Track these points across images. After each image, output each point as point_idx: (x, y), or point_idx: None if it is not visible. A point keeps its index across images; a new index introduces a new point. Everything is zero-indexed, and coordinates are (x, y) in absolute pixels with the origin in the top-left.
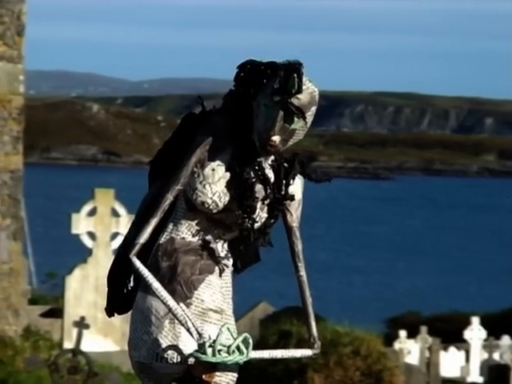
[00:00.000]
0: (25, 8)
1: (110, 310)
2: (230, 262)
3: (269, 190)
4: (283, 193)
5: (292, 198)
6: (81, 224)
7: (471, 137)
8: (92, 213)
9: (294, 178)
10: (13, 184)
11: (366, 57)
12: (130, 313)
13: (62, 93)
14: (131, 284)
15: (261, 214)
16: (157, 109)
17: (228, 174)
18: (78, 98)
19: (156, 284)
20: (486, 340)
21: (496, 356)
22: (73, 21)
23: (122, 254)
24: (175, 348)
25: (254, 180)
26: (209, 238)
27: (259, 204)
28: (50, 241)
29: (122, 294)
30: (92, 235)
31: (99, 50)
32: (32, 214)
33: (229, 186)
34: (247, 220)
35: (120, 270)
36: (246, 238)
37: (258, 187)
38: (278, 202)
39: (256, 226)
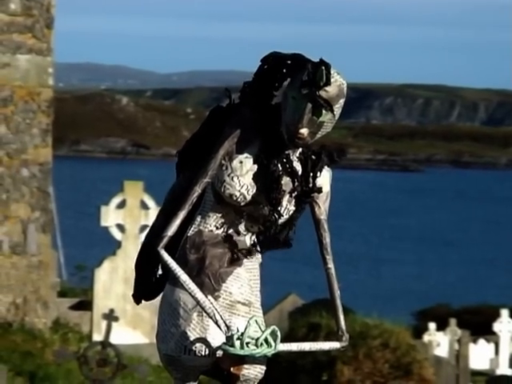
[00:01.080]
0: (54, 0)
1: (138, 298)
2: (259, 254)
3: (296, 183)
4: (311, 185)
5: (320, 190)
6: (110, 216)
7: (500, 129)
8: (121, 205)
9: (321, 171)
10: (42, 177)
11: (395, 49)
12: (158, 305)
13: (92, 85)
14: (159, 271)
15: (289, 207)
16: (186, 101)
17: (256, 167)
18: (108, 91)
19: (184, 277)
20: None
21: None
22: (102, 13)
23: (148, 243)
24: (203, 341)
25: (280, 172)
26: (237, 230)
27: (287, 197)
28: (79, 233)
29: (150, 281)
30: (121, 227)
31: (128, 42)
32: (61, 207)
33: (256, 178)
34: (272, 213)
35: (147, 259)
36: (267, 230)
37: (286, 180)
38: (306, 195)
39: (283, 218)
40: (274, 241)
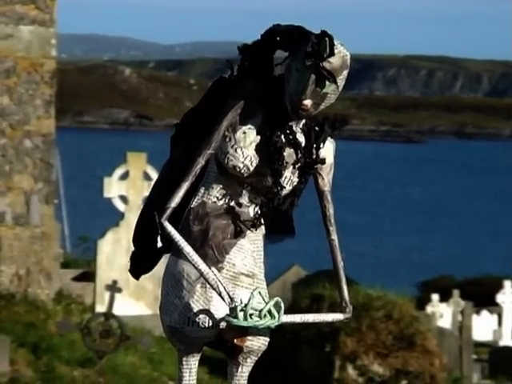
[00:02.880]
0: None
1: (138, 272)
2: (262, 226)
3: (299, 155)
4: (314, 157)
5: (323, 161)
6: (113, 188)
7: (504, 100)
8: (124, 176)
9: (324, 142)
10: (45, 148)
11: (399, 20)
12: (161, 277)
13: (94, 56)
14: (159, 244)
15: (292, 179)
16: (189, 72)
17: (259, 138)
18: (111, 62)
19: (187, 248)
20: None
21: None
22: None
23: (146, 216)
24: (207, 312)
25: (282, 143)
26: (240, 201)
27: (290, 168)
28: (82, 204)
29: (149, 255)
30: (124, 199)
31: (131, 13)
32: (64, 178)
33: (259, 149)
34: (274, 184)
35: (145, 232)
36: (270, 201)
37: (290, 151)
38: (309, 166)
39: (286, 190)
40: (278, 226)
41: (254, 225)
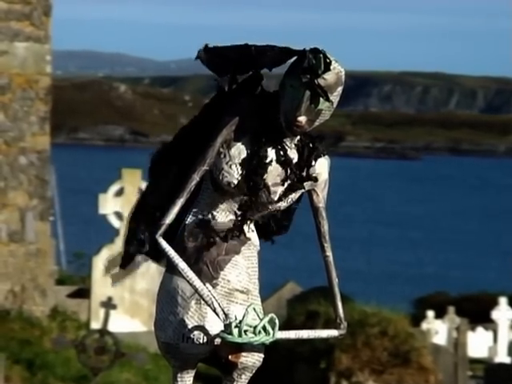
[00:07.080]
0: None
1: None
2: (257, 241)
3: (289, 172)
4: (304, 173)
5: (315, 178)
6: (108, 204)
7: (499, 117)
8: (119, 193)
9: (316, 159)
10: (40, 164)
11: (394, 36)
12: (156, 293)
13: (89, 73)
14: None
15: (284, 195)
16: (184, 89)
17: (251, 154)
18: (105, 78)
19: (182, 264)
20: None
21: None
22: (100, 0)
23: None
24: (201, 328)
25: (268, 160)
26: (235, 218)
27: (281, 185)
28: (77, 221)
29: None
30: (119, 215)
31: (126, 29)
32: (59, 195)
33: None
34: (251, 197)
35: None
36: (264, 217)
37: (280, 169)
38: (300, 182)
39: (282, 206)
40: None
41: (238, 235)
